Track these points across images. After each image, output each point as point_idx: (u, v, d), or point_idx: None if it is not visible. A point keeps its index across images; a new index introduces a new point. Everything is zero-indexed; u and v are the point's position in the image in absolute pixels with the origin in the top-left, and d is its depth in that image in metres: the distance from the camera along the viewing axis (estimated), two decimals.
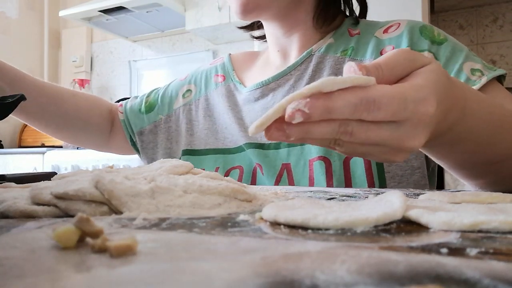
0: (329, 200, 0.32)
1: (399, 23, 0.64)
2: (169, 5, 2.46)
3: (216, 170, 0.68)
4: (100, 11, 2.58)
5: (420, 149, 0.43)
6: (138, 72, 3.17)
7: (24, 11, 3.13)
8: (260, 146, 0.65)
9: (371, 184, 0.57)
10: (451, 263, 0.16)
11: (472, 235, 0.21)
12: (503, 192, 0.34)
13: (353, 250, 0.18)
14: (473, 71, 0.56)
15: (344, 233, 0.22)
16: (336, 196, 0.38)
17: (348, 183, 0.58)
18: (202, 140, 0.73)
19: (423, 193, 0.36)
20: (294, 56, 0.70)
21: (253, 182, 0.65)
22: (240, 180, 0.65)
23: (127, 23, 2.80)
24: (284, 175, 0.62)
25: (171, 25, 2.87)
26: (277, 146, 0.64)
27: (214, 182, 0.33)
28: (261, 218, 0.26)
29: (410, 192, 0.43)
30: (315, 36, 0.68)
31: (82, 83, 3.10)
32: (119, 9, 2.55)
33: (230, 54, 0.82)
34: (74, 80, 3.12)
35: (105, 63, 3.29)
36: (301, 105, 0.27)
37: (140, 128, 0.80)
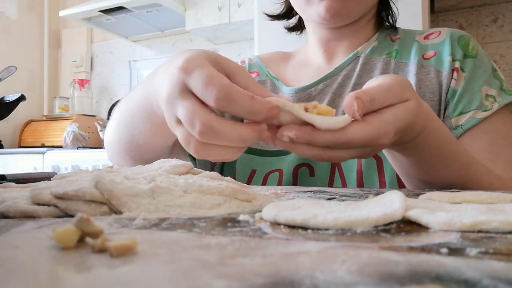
0: (329, 200, 0.32)
1: (440, 31, 0.68)
2: (169, 5, 2.46)
3: (253, 174, 0.67)
4: (100, 11, 2.58)
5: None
6: (138, 72, 3.17)
7: (24, 11, 3.13)
8: None
9: None
10: (451, 263, 0.16)
11: (472, 235, 0.21)
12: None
13: (353, 250, 0.18)
14: (487, 96, 0.60)
15: (344, 233, 0.22)
16: (336, 196, 0.38)
17: (400, 179, 0.59)
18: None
19: (423, 193, 0.36)
20: (340, 57, 0.72)
21: (295, 184, 0.65)
22: (280, 183, 0.65)
23: (127, 23, 2.80)
24: (336, 174, 0.64)
25: (171, 25, 2.87)
26: None
27: (214, 182, 0.33)
28: (261, 218, 0.26)
29: (410, 192, 0.43)
30: (362, 39, 0.71)
31: (82, 83, 3.10)
32: (119, 9, 2.55)
33: (257, 55, 0.82)
34: (74, 80, 3.12)
35: (105, 63, 3.29)
36: (291, 133, 0.34)
37: None
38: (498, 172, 0.56)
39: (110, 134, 0.62)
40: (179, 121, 0.36)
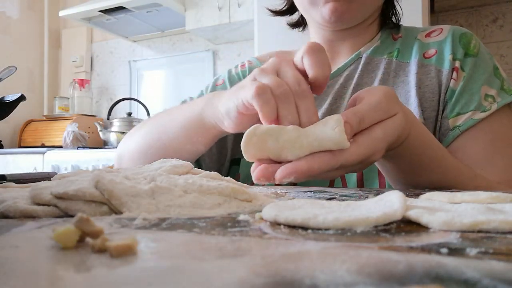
0: (329, 200, 0.32)
1: (442, 28, 0.67)
2: (169, 5, 2.46)
3: None
4: (100, 11, 2.58)
5: None
6: (138, 72, 3.17)
7: (24, 11, 3.13)
8: None
9: None
10: (451, 263, 0.16)
11: (472, 235, 0.21)
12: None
13: (353, 250, 0.18)
14: (486, 96, 0.60)
15: (344, 233, 0.22)
16: (336, 196, 0.38)
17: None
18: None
19: (423, 193, 0.36)
20: (343, 58, 0.72)
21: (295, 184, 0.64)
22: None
23: (127, 23, 2.80)
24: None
25: (171, 25, 2.87)
26: None
27: (214, 182, 0.33)
28: (261, 218, 0.26)
29: (410, 192, 0.43)
30: (365, 39, 0.71)
31: (82, 83, 3.10)
32: (119, 9, 2.55)
33: (255, 56, 0.81)
34: (74, 80, 3.12)
35: (105, 63, 3.29)
36: (291, 178, 0.36)
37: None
38: (493, 174, 0.55)
39: (135, 142, 0.67)
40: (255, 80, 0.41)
